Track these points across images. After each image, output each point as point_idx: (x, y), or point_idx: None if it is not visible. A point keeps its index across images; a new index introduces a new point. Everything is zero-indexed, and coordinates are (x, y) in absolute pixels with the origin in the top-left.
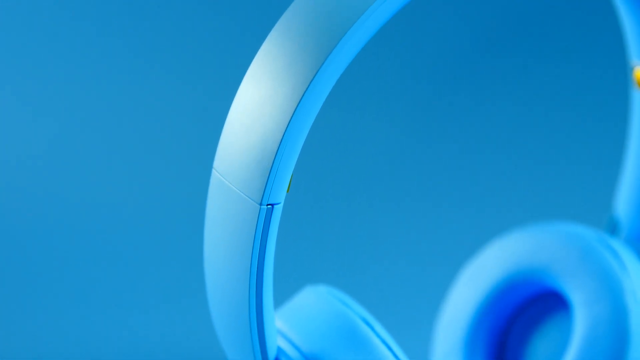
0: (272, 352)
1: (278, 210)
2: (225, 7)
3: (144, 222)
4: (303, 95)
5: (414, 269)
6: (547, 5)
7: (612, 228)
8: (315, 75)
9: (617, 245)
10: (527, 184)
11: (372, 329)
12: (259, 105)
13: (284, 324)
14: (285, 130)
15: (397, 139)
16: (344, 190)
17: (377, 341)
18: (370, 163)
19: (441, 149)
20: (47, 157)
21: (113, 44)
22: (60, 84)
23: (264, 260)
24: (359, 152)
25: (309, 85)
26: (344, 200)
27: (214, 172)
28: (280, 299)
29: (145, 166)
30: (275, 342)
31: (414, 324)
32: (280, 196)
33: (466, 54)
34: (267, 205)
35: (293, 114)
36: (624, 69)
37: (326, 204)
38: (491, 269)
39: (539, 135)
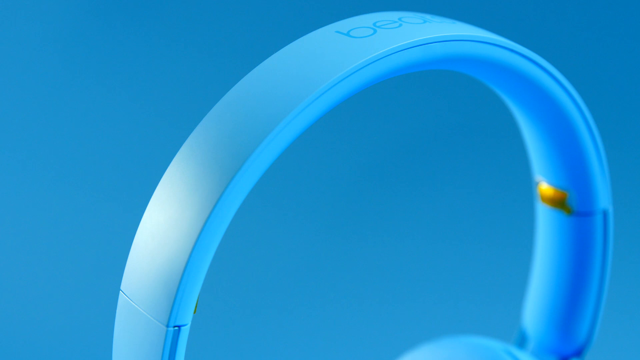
0: None
1: (185, 332)
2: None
3: None
4: (207, 218)
5: None
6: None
7: (521, 340)
8: (219, 199)
9: (525, 357)
10: (436, 297)
11: None
12: (164, 228)
13: None
14: (191, 253)
15: (301, 251)
16: (252, 307)
17: None
18: (273, 274)
19: (346, 261)
20: None
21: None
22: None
23: None
24: (263, 260)
25: (212, 209)
26: (251, 319)
27: (121, 293)
28: None
29: None
30: None
31: None
32: (187, 318)
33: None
34: (174, 327)
35: (198, 236)
36: (529, 184)
37: (233, 324)
38: None
39: (449, 247)
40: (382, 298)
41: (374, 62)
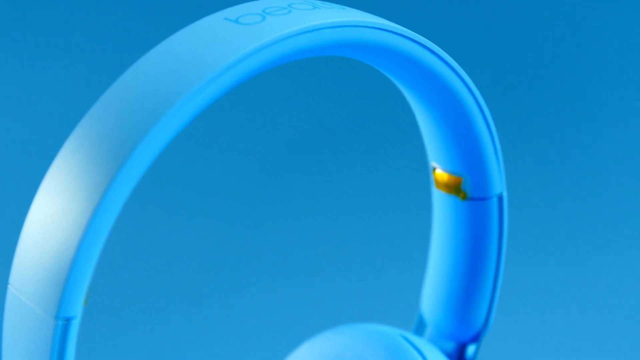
0: None
1: (75, 325)
2: None
3: None
4: (96, 208)
5: None
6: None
7: (418, 326)
8: (107, 188)
9: (422, 343)
10: (334, 285)
11: None
12: (52, 219)
13: None
14: (80, 243)
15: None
16: (147, 299)
17: None
18: (168, 267)
19: (242, 252)
20: None
21: None
22: None
23: None
24: (159, 253)
25: (101, 199)
26: (146, 311)
27: (9, 287)
28: None
29: None
30: None
31: None
32: (76, 309)
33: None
34: (63, 319)
35: (86, 227)
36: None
37: (127, 316)
38: None
39: (346, 235)
40: (280, 287)
41: (262, 49)
